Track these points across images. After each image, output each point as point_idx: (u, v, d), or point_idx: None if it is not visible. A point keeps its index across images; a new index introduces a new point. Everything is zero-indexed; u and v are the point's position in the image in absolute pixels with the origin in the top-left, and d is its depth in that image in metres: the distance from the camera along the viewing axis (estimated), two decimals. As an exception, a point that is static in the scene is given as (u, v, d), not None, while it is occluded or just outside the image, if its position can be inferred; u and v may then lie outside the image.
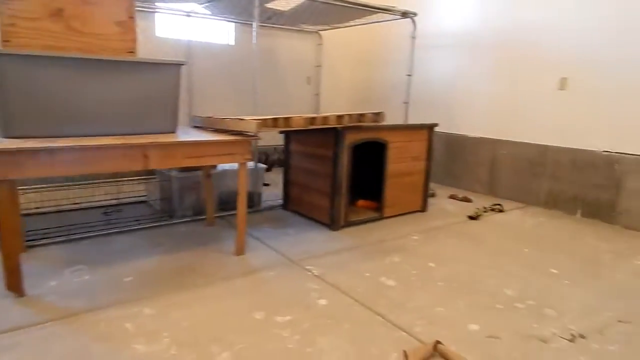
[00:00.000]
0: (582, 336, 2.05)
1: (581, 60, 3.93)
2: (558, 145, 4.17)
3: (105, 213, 3.54)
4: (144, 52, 4.69)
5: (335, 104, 6.48)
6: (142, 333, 1.94)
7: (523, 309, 2.30)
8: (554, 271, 2.79)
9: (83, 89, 2.31)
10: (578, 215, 4.07)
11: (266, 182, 4.96)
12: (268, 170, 5.55)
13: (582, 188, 4.02)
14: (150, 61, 2.44)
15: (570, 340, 2.01)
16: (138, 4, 4.38)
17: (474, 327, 2.11)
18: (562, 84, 4.07)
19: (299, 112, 6.11)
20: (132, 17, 2.56)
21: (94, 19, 2.48)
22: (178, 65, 2.53)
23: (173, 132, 2.71)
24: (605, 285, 2.60)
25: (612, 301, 2.40)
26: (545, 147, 4.27)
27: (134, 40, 2.49)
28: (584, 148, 3.98)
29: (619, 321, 2.20)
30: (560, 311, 2.28)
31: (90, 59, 2.30)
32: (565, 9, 4.02)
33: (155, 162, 2.33)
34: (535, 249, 3.18)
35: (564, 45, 4.04)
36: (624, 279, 2.70)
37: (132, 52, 2.50)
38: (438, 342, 1.89)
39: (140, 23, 4.59)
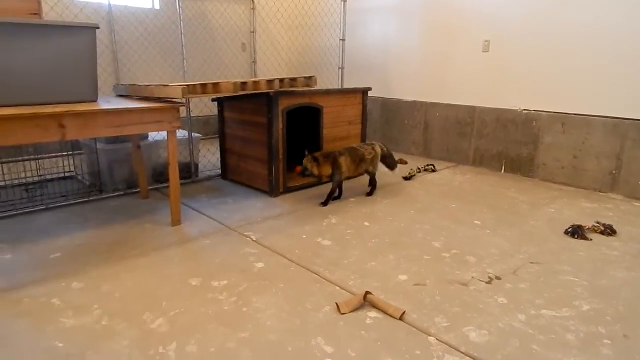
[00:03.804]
0: (497, 278, 2.25)
1: (501, 23, 4.12)
2: (484, 105, 4.40)
3: (26, 190, 3.33)
4: (59, 15, 4.34)
5: (273, 71, 6.37)
6: (70, 307, 1.89)
7: (448, 257, 2.47)
8: (477, 222, 3.00)
9: (-16, 55, 2.11)
10: (502, 170, 4.36)
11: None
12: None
13: (505, 145, 4.30)
14: (59, 24, 2.26)
15: (487, 282, 2.20)
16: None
17: (402, 277, 2.24)
18: (485, 46, 4.26)
19: (235, 79, 5.96)
20: (34, -25, 2.35)
21: (-10, -23, 2.25)
22: (92, 28, 2.37)
23: (94, 100, 2.57)
24: (521, 232, 2.84)
25: (525, 246, 2.64)
26: (473, 108, 4.49)
27: (37, 1, 2.29)
28: (506, 107, 4.23)
29: (530, 262, 2.42)
30: (480, 257, 2.47)
31: (-10, 21, 2.10)
32: (488, -27, 4.15)
33: (73, 133, 2.20)
34: (462, 204, 3.39)
35: (486, 8, 4.20)
36: (538, 225, 2.96)
37: (35, 13, 2.30)
38: (368, 292, 2.00)
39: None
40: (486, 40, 4.24)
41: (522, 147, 4.17)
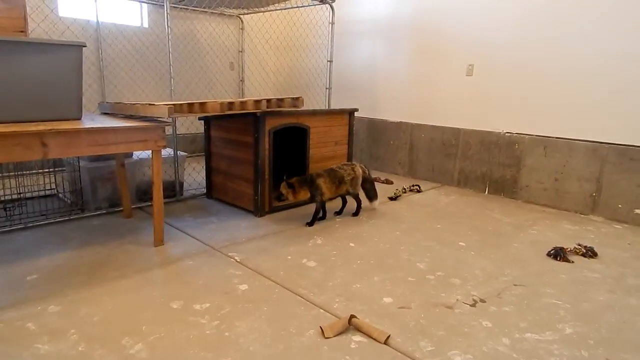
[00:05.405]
0: (482, 300, 2.25)
1: (485, 48, 4.23)
2: (468, 127, 4.48)
3: (5, 208, 3.25)
4: (45, 33, 4.32)
5: (260, 90, 6.42)
6: (46, 332, 1.83)
7: (433, 279, 2.47)
8: (462, 244, 3.02)
9: (-34, 72, 2.08)
10: (486, 192, 4.41)
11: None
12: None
13: (489, 167, 4.36)
14: (46, 42, 2.25)
15: (472, 305, 2.20)
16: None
17: (388, 300, 2.23)
18: (469, 70, 4.36)
19: (223, 98, 5.97)
20: (21, -7, 2.35)
21: (-24, -6, 2.24)
22: (78, 46, 2.36)
23: (78, 118, 2.54)
24: (504, 254, 2.86)
25: (509, 268, 2.65)
26: (458, 130, 4.56)
27: (23, 18, 2.28)
28: (490, 130, 4.31)
29: (514, 285, 2.43)
30: (465, 279, 2.47)
31: (-27, 39, 2.08)
32: None
33: (56, 151, 2.17)
34: (447, 225, 3.41)
35: (470, 33, 4.31)
36: (521, 247, 2.99)
37: (22, 31, 2.28)
38: (353, 316, 1.98)
39: (38, 2, 4.22)
40: (470, 65, 4.34)
41: (506, 169, 4.24)
